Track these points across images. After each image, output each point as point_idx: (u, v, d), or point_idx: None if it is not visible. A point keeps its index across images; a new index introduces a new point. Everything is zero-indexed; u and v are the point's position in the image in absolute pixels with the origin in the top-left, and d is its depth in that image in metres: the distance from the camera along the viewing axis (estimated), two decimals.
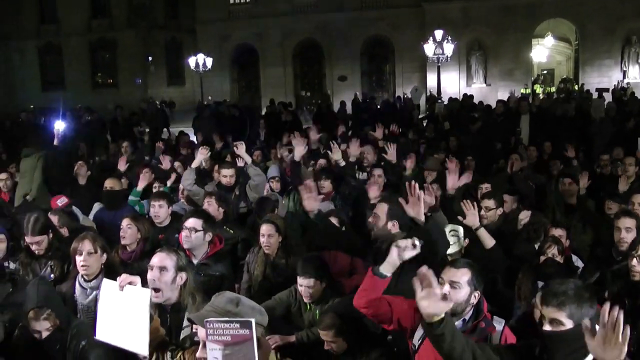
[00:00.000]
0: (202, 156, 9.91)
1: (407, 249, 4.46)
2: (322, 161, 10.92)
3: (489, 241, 6.44)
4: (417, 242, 4.48)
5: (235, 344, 3.44)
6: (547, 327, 3.67)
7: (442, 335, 3.75)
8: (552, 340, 3.68)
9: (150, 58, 50.58)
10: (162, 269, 4.76)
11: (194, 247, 6.38)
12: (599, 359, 3.26)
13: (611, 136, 16.25)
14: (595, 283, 6.29)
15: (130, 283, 4.21)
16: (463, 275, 4.58)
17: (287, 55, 46.00)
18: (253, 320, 3.44)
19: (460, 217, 6.72)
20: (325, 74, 46.10)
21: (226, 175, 9.50)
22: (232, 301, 3.74)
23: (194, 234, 6.35)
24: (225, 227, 7.88)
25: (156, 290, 4.70)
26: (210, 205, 8.07)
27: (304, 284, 5.85)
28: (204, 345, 3.55)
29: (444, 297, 3.72)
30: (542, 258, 6.47)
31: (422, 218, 5.51)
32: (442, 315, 3.74)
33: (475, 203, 6.63)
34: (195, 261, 6.28)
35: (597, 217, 8.91)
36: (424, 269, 3.75)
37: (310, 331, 5.90)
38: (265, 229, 6.88)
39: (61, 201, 8.45)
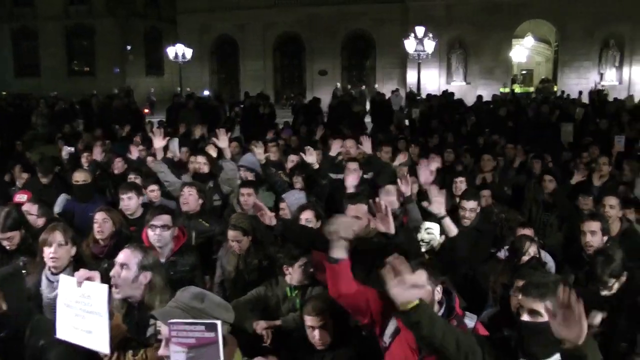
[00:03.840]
0: (159, 138, 9.63)
1: (339, 225, 4.45)
2: (293, 157, 10.77)
3: (453, 229, 6.29)
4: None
5: (200, 346, 3.31)
6: (525, 318, 3.70)
7: (418, 322, 3.70)
8: (529, 330, 3.69)
9: (129, 47, 50.10)
10: (124, 266, 4.61)
11: (164, 244, 6.22)
12: (563, 339, 3.30)
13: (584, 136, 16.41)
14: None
15: (88, 279, 4.06)
16: (419, 276, 4.47)
17: (268, 48, 45.83)
18: (219, 323, 3.31)
19: (425, 203, 6.62)
20: (306, 68, 45.93)
21: (200, 162, 9.39)
22: (197, 297, 3.64)
23: (165, 232, 6.19)
24: (200, 219, 7.77)
25: (115, 286, 4.56)
26: (191, 195, 7.89)
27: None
28: (167, 343, 3.43)
29: (416, 284, 3.68)
30: (525, 258, 6.46)
31: (392, 231, 5.40)
32: (416, 301, 3.67)
33: (444, 190, 6.50)
34: (162, 259, 6.05)
35: (574, 212, 8.98)
36: (393, 257, 3.71)
37: (297, 316, 5.82)
38: (232, 235, 6.71)
39: (21, 197, 8.17)
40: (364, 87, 42.05)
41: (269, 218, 5.63)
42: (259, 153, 9.94)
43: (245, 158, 10.36)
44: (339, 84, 40.28)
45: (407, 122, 22.66)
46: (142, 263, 4.68)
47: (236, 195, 8.55)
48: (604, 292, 5.66)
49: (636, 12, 38.40)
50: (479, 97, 26.43)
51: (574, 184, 9.83)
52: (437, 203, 6.29)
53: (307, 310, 5.22)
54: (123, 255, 4.69)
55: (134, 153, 11.49)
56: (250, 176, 9.58)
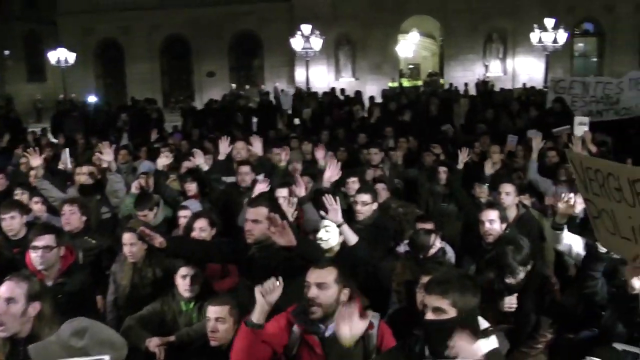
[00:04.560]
0: (35, 156, 9.21)
1: (271, 291, 4.42)
2: (187, 163, 10.44)
3: (352, 238, 6.19)
4: (277, 283, 4.45)
5: None
6: (429, 316, 3.65)
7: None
8: (434, 329, 3.64)
9: (7, 52, 47.91)
10: (10, 300, 4.18)
11: (49, 266, 5.73)
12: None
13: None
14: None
15: None
16: (329, 275, 4.50)
17: (154, 50, 44.77)
18: None
19: (322, 213, 6.48)
20: (194, 70, 45.23)
21: (85, 173, 8.97)
22: (78, 333, 3.30)
23: (48, 253, 5.69)
24: (86, 237, 7.33)
25: (0, 324, 4.15)
26: (73, 214, 7.39)
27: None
28: None
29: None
30: (433, 251, 6.44)
31: (294, 243, 5.22)
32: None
33: (337, 198, 6.36)
34: (49, 282, 5.63)
35: (469, 200, 9.10)
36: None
37: (191, 329, 5.69)
38: (127, 237, 6.44)
39: None
40: (247, 87, 41.85)
41: (159, 242, 5.36)
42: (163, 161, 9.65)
43: (145, 166, 10.14)
44: (234, 85, 39.96)
45: (297, 120, 22.50)
46: (29, 293, 4.26)
47: (125, 206, 8.27)
48: (510, 280, 5.68)
49: (516, 8, 39.99)
50: (372, 98, 26.68)
51: (467, 172, 9.94)
52: (333, 211, 6.20)
53: (214, 302, 5.19)
54: (6, 288, 4.24)
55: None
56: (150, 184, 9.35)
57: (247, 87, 42.57)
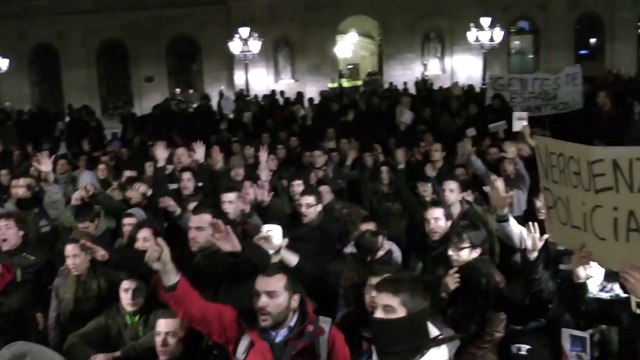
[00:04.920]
0: None
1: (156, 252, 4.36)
2: (128, 173, 10.26)
3: (292, 260, 6.07)
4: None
5: None
6: (379, 314, 3.60)
7: None
8: (382, 327, 3.59)
9: None
10: None
11: None
12: None
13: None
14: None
15: None
16: (278, 282, 4.42)
17: (91, 55, 43.73)
18: None
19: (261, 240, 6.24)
20: (132, 75, 44.52)
21: (22, 186, 8.73)
22: (17, 359, 3.12)
23: None
24: (24, 253, 7.06)
25: None
26: (9, 229, 7.10)
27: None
28: None
29: None
30: (380, 253, 6.45)
31: (239, 248, 5.14)
32: None
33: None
34: None
35: (413, 199, 9.14)
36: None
37: (137, 343, 5.59)
38: (69, 249, 6.27)
39: None
40: (191, 91, 41.48)
41: (101, 255, 5.23)
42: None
43: (85, 176, 9.93)
44: (178, 90, 39.50)
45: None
46: None
47: (66, 218, 8.08)
48: (452, 254, 5.88)
49: (452, 7, 40.41)
50: (299, 94, 26.74)
51: (411, 171, 9.99)
52: (275, 237, 6.15)
53: (164, 314, 5.07)
54: None
55: None
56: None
57: (191, 91, 42.02)
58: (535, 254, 5.50)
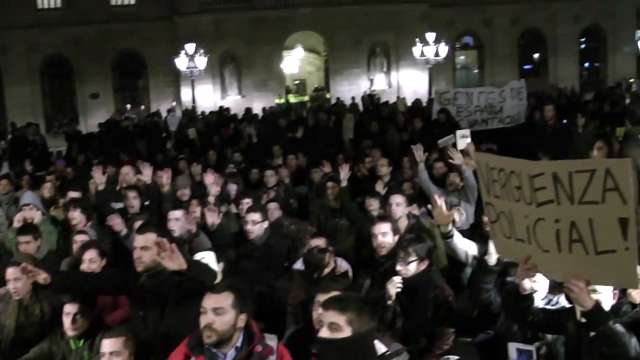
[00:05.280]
0: None
1: None
2: (73, 194, 10.07)
3: None
4: None
5: None
6: (324, 333, 3.60)
7: None
8: (327, 346, 3.60)
9: None
10: None
11: None
12: None
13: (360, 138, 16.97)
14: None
15: None
16: (225, 300, 4.37)
17: (34, 72, 42.88)
18: None
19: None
20: (77, 92, 43.77)
21: None
22: None
23: None
24: None
25: None
26: None
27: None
28: None
29: None
30: (325, 271, 6.42)
31: (185, 267, 5.07)
32: None
33: None
34: None
35: (359, 214, 9.13)
36: None
37: None
38: (10, 273, 6.11)
39: None
40: (142, 107, 41.05)
41: (43, 279, 5.12)
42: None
43: (27, 197, 9.70)
44: (129, 106, 39.02)
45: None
46: None
47: (8, 241, 7.90)
48: (401, 268, 5.84)
49: (397, 23, 41.06)
50: (247, 110, 26.69)
51: (358, 186, 9.99)
52: (210, 263, 6.05)
53: (111, 334, 5.02)
54: None
55: None
56: (37, 216, 8.98)
57: (142, 107, 41.52)
58: (494, 258, 5.55)
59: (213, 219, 8.29)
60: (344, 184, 9.70)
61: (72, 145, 22.37)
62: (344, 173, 9.75)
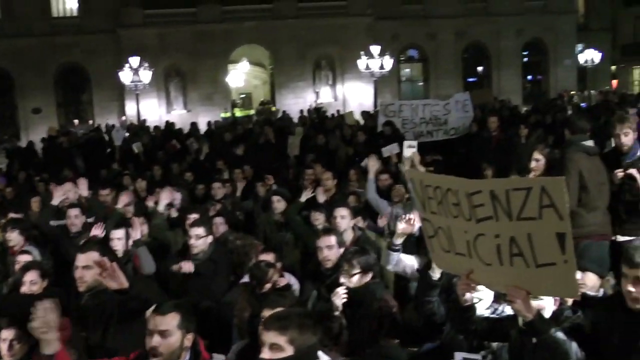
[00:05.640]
0: None
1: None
2: (13, 215, 9.86)
3: None
4: None
5: None
6: (265, 355, 3.55)
7: None
8: None
9: None
10: None
11: None
12: None
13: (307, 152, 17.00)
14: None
15: None
16: (172, 320, 4.29)
17: None
18: None
19: None
20: (18, 107, 42.83)
21: None
22: None
23: None
24: None
25: None
26: None
27: None
28: None
29: None
30: (268, 286, 6.40)
31: (126, 285, 5.03)
32: None
33: None
34: None
35: (304, 227, 9.14)
36: None
37: None
38: None
39: None
40: (90, 122, 40.40)
41: None
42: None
43: None
44: (76, 121, 38.38)
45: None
46: None
47: None
48: (344, 280, 5.90)
49: (342, 36, 41.53)
50: (193, 124, 26.60)
51: (303, 201, 9.99)
52: None
53: None
54: None
55: None
56: None
57: (91, 122, 40.70)
58: (439, 272, 5.60)
59: (136, 233, 8.11)
60: (302, 199, 9.74)
61: (12, 162, 21.96)
62: (306, 195, 9.80)
